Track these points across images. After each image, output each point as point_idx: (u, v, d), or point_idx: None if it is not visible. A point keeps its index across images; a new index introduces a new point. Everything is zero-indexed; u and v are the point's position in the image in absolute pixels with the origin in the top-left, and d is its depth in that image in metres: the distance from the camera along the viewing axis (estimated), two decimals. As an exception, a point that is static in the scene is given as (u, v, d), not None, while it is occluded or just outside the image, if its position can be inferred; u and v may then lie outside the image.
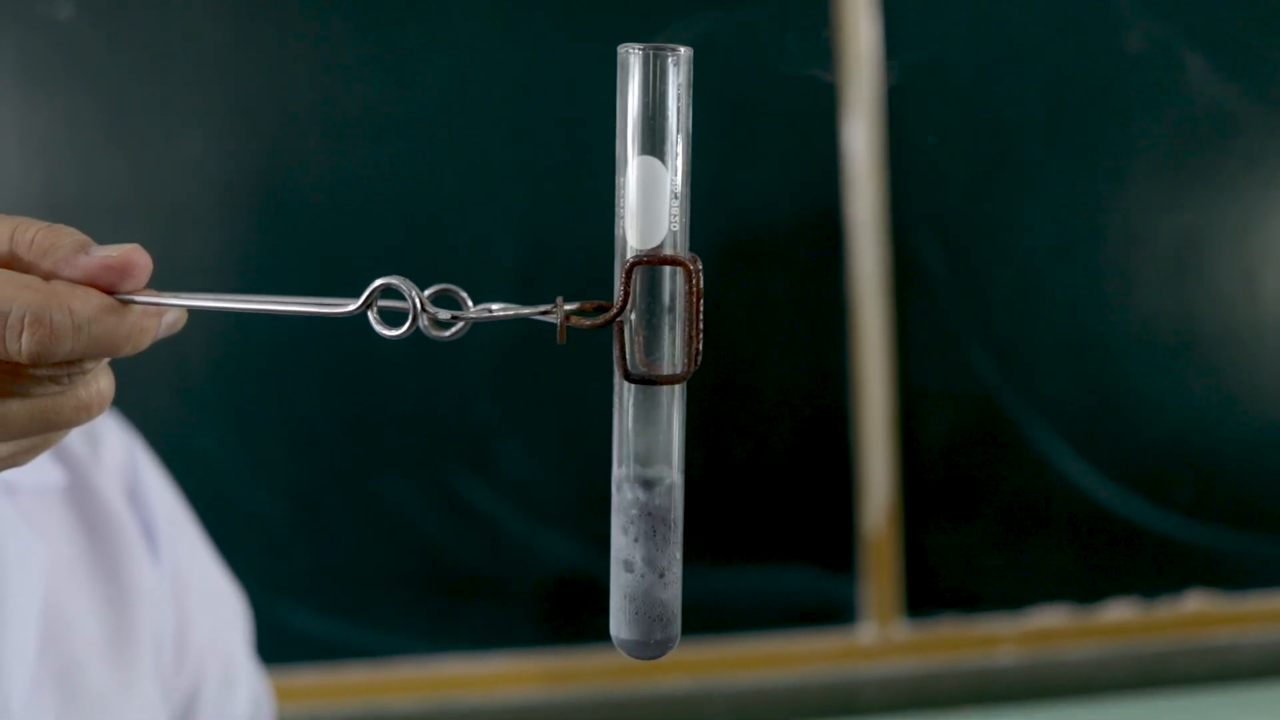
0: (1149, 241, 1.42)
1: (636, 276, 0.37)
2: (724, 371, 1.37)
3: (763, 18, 1.21)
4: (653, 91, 0.37)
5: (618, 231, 0.38)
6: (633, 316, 0.37)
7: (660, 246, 0.37)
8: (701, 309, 0.36)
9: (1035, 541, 1.42)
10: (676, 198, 0.37)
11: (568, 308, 0.37)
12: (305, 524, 1.33)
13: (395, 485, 1.33)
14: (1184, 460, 1.44)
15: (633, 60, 0.37)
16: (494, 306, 0.39)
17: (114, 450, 0.73)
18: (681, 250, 0.38)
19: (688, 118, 0.37)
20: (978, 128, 1.39)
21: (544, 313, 0.38)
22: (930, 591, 1.41)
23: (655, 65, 0.37)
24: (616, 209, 0.38)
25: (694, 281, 0.37)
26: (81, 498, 0.69)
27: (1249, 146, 1.42)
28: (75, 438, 0.71)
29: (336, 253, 1.30)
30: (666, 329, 0.38)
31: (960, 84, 1.39)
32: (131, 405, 0.75)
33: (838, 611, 1.39)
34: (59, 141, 1.27)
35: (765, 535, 1.39)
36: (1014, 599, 1.42)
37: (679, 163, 0.37)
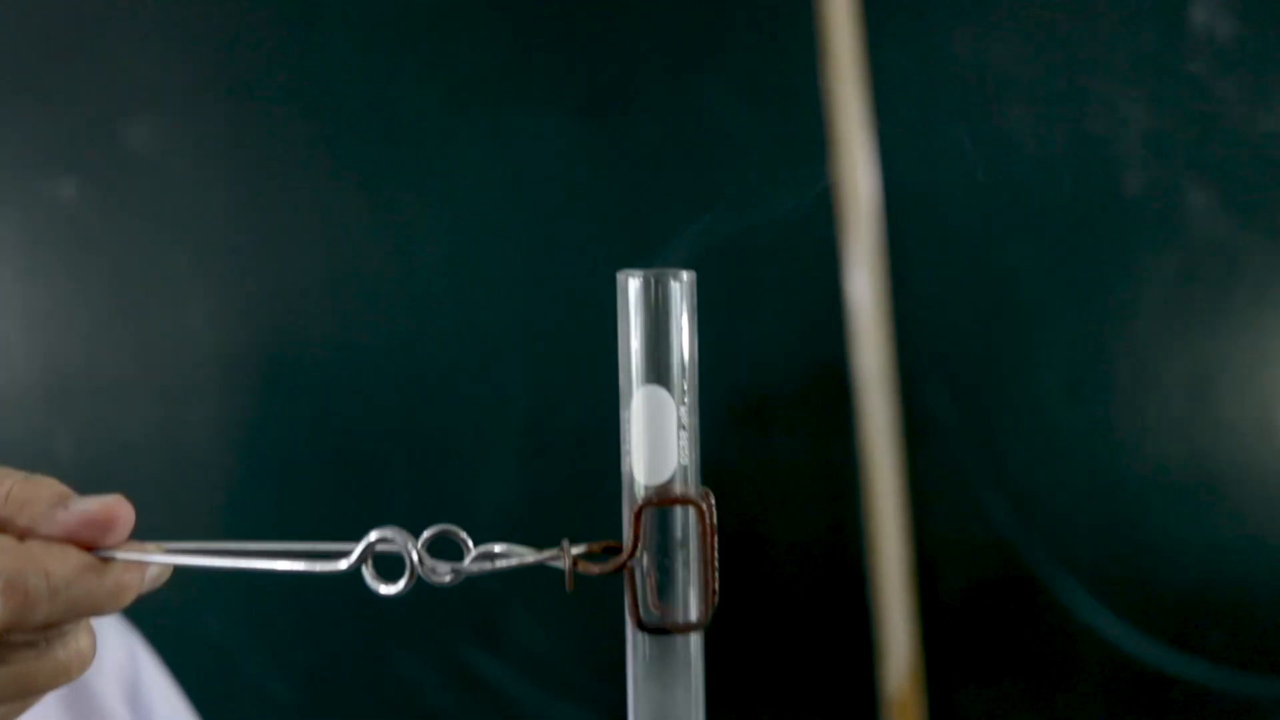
0: (1161, 380, 1.40)
1: (646, 518, 0.35)
2: (735, 532, 1.35)
3: (760, 175, 1.21)
4: (655, 318, 0.35)
5: (624, 466, 0.36)
6: (644, 559, 0.36)
7: (670, 482, 0.36)
8: (717, 548, 0.34)
9: (1062, 695, 1.39)
10: (685, 429, 0.35)
11: (575, 551, 0.36)
12: (317, 701, 1.30)
13: (404, 659, 1.31)
14: (1211, 604, 1.40)
15: (632, 286, 0.35)
16: (496, 548, 0.37)
17: (113, 651, 0.72)
18: (693, 486, 0.36)
19: (693, 344, 0.35)
20: (982, 273, 1.39)
21: (550, 558, 0.36)
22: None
23: (657, 291, 0.35)
24: (622, 443, 0.36)
25: (708, 520, 0.35)
26: (78, 703, 0.67)
27: (1257, 278, 1.40)
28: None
29: (341, 426, 1.30)
30: (680, 568, 0.36)
31: (962, 229, 1.38)
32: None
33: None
34: (60, 318, 1.28)
35: (783, 698, 1.37)
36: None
37: (686, 391, 0.35)
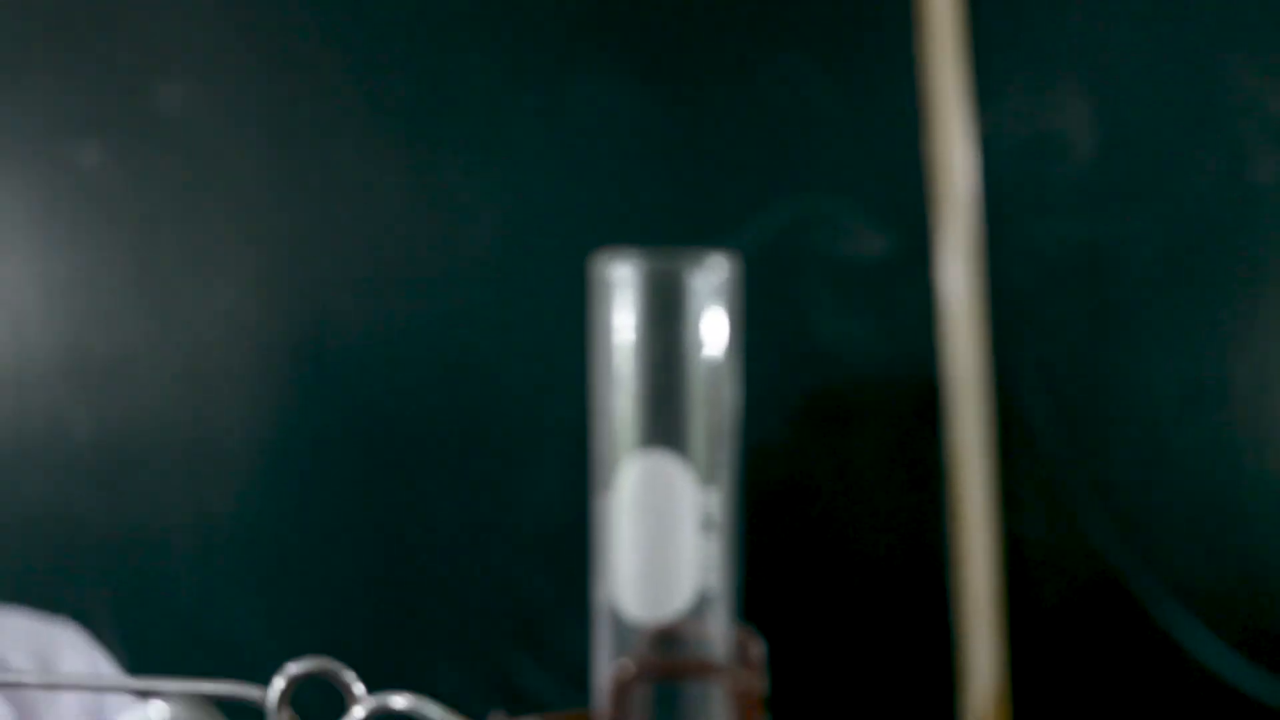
0: None
1: (638, 692, 0.22)
2: (812, 543, 1.30)
3: (844, 154, 1.12)
4: (663, 337, 0.22)
5: (599, 591, 0.23)
6: None
7: (683, 624, 0.22)
8: None
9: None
10: (714, 528, 0.22)
11: None
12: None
13: (445, 674, 1.25)
14: None
15: (621, 281, 0.22)
16: (397, 701, 0.25)
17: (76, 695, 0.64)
18: (723, 631, 0.22)
19: (732, 375, 0.22)
20: (1089, 267, 1.34)
21: None
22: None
23: (661, 291, 0.22)
24: (597, 549, 0.23)
25: (743, 699, 0.20)
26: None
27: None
28: (30, 669, 0.65)
29: (376, 413, 1.25)
30: None
31: (1069, 218, 1.33)
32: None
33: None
34: (82, 291, 1.24)
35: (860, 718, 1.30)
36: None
37: (718, 460, 0.22)
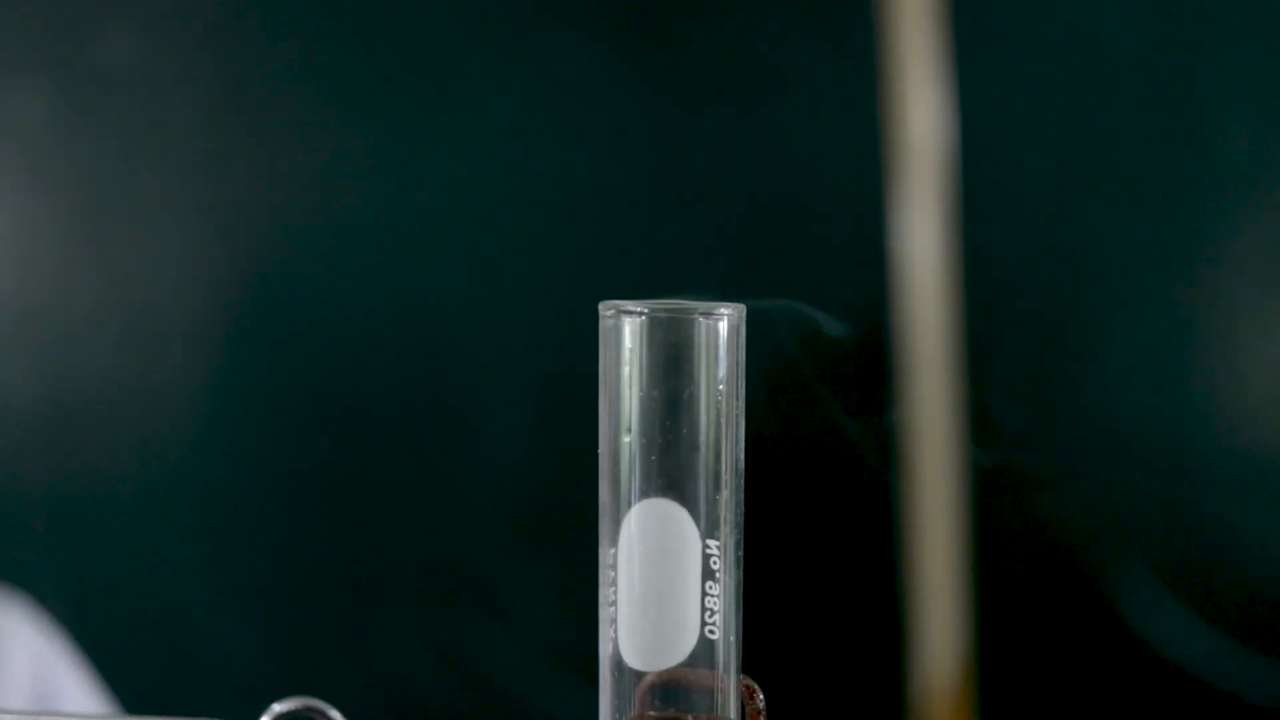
0: (1252, 361, 1.36)
1: None
2: (762, 519, 1.29)
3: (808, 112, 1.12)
4: (672, 385, 0.21)
5: (602, 643, 0.21)
6: None
7: (682, 672, 0.21)
8: None
9: (1124, 692, 1.33)
10: (717, 579, 0.21)
11: None
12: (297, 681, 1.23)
13: (396, 634, 1.23)
14: None
15: (629, 331, 0.21)
16: None
17: (20, 665, 0.67)
18: (727, 682, 0.21)
19: (738, 424, 0.21)
20: (1060, 236, 1.33)
21: None
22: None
23: (674, 339, 0.21)
24: (602, 600, 0.22)
25: None
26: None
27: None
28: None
29: (329, 367, 1.23)
30: None
31: (1040, 183, 1.33)
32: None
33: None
34: (24, 248, 1.22)
35: (812, 696, 1.29)
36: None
37: (726, 508, 0.21)
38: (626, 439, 0.22)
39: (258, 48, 1.26)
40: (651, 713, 0.21)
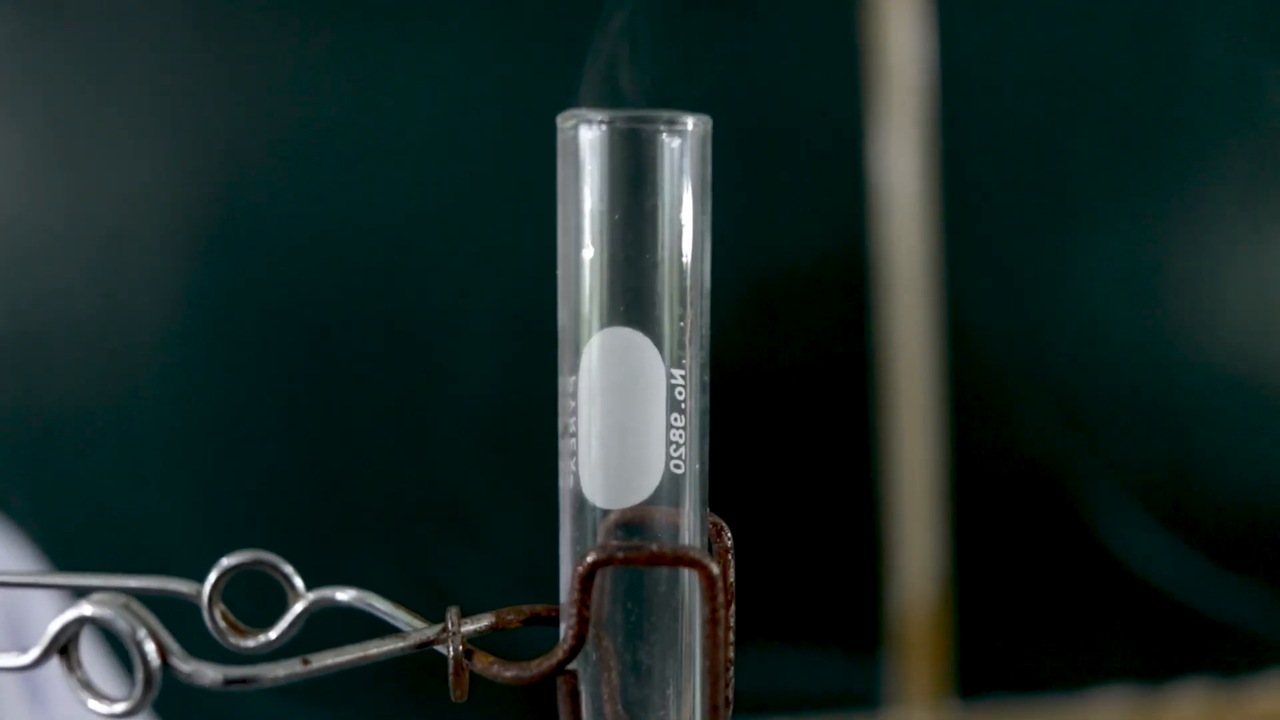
0: (1226, 284, 1.37)
1: (604, 581, 0.19)
2: (745, 439, 1.28)
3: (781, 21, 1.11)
4: (633, 199, 0.19)
5: (562, 477, 0.20)
6: (594, 656, 0.20)
7: (650, 508, 0.20)
8: (733, 626, 0.19)
9: (1100, 612, 1.35)
10: (683, 411, 0.20)
11: (470, 627, 0.20)
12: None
13: (373, 564, 1.22)
14: (1267, 526, 1.37)
15: (586, 139, 0.20)
16: (340, 595, 0.22)
17: None
18: (695, 518, 0.20)
19: (703, 244, 0.19)
20: (1038, 159, 1.33)
21: (429, 641, 0.21)
22: (979, 674, 1.33)
23: (634, 150, 0.20)
24: (561, 434, 0.20)
25: (719, 590, 0.19)
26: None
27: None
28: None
29: (295, 290, 1.23)
30: (662, 666, 0.20)
31: (1020, 108, 1.32)
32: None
33: (866, 697, 1.31)
34: None
35: (791, 618, 1.30)
36: (1071, 681, 1.34)
37: (690, 338, 0.19)
38: (586, 255, 0.20)
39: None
40: (614, 542, 0.20)
